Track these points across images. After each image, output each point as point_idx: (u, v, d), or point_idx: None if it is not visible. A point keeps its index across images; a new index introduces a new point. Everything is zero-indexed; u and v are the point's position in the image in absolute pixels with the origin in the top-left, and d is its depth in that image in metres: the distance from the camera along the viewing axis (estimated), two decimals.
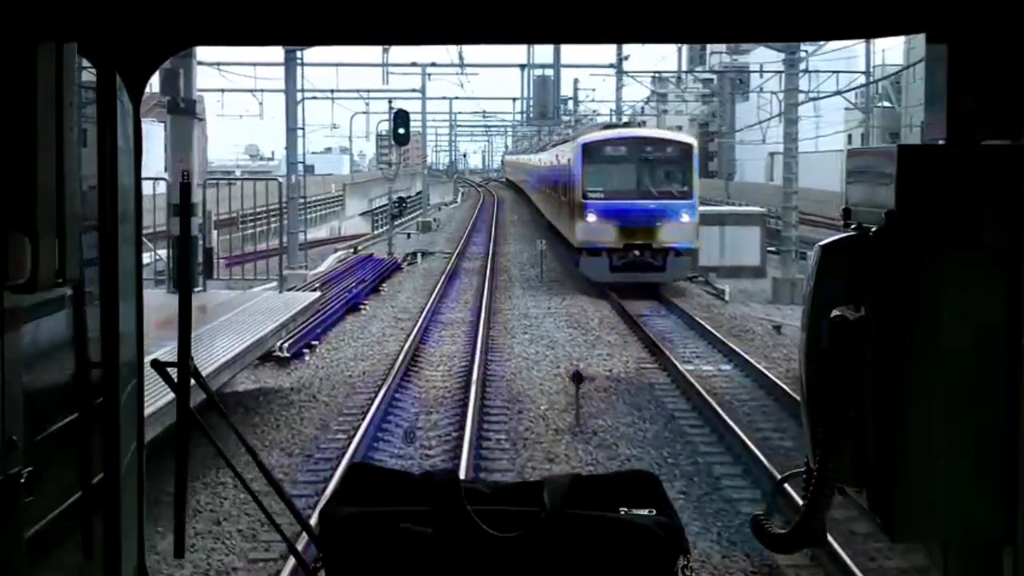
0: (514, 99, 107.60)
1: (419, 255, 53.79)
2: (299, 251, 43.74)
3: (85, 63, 3.42)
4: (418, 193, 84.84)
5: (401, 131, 51.86)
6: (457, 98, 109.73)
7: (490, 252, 54.77)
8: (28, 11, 3.03)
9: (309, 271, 46.01)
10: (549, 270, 45.22)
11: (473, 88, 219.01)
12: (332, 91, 73.28)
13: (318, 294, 28.02)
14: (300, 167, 45.43)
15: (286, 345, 26.01)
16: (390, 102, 60.37)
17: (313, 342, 28.72)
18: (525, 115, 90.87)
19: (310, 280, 41.82)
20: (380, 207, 72.78)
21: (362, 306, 36.71)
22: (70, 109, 3.13)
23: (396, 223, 61.90)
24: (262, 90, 69.14)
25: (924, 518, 3.18)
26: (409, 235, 68.20)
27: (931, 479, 3.14)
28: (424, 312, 33.62)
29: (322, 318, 31.87)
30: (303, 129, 45.44)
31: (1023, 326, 3.06)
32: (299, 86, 46.58)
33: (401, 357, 25.58)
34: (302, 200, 47.91)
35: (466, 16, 3.48)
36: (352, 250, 60.04)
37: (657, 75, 56.56)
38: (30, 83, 2.98)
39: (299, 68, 46.64)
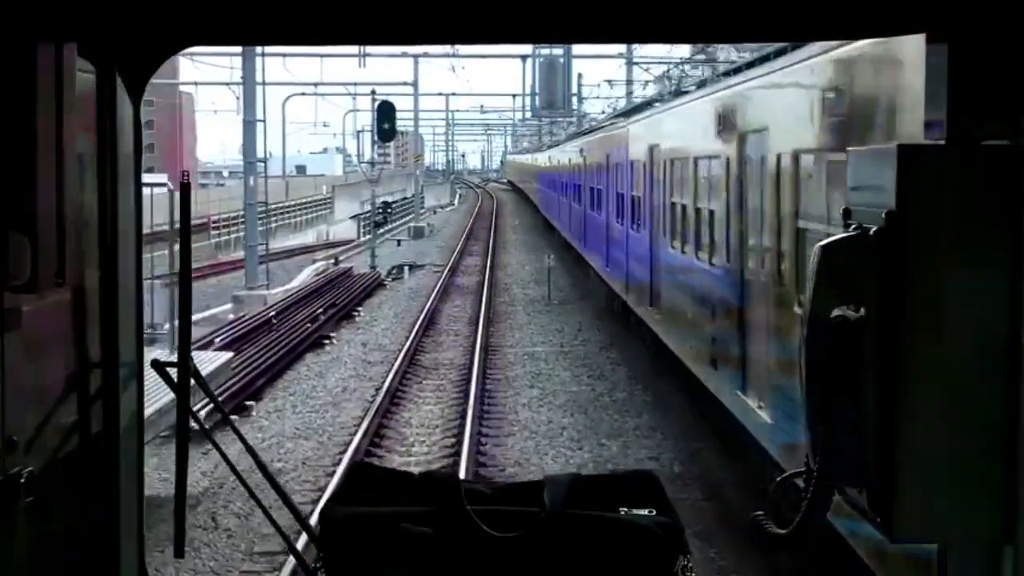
0: (514, 95, 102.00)
1: (406, 269, 45.76)
2: (259, 267, 35.53)
3: (85, 63, 3.44)
4: (412, 195, 76.80)
5: (386, 126, 44.23)
6: (454, 94, 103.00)
7: (488, 265, 46.81)
8: (28, 11, 3.07)
9: (274, 289, 37.91)
10: (557, 289, 37.17)
11: (470, 78, 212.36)
12: (316, 84, 65.72)
13: (228, 355, 19.79)
14: (261, 166, 37.17)
15: (202, 414, 17.57)
16: (373, 93, 51.98)
17: (248, 403, 20.60)
18: (524, 110, 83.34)
19: (270, 304, 33.75)
20: (367, 211, 65.00)
21: (328, 341, 28.68)
22: (70, 109, 3.17)
23: (381, 231, 53.66)
24: (237, 83, 61.41)
25: (924, 518, 3.20)
26: (399, 242, 60.69)
27: (931, 479, 3.17)
28: (403, 352, 25.67)
29: (272, 360, 23.84)
30: (264, 122, 37.46)
31: (1023, 326, 3.08)
32: (260, 76, 38.63)
33: (360, 434, 17.49)
34: (264, 206, 39.77)
35: (467, 15, 3.47)
36: (333, 261, 52.18)
37: (678, 64, 48.50)
38: (30, 83, 3.01)
39: (259, 57, 38.66)
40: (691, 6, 3.45)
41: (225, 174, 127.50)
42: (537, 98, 47.65)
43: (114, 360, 3.64)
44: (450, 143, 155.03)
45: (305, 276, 46.23)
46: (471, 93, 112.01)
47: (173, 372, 3.51)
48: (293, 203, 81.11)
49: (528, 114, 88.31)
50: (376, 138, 47.19)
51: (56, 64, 3.08)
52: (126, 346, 3.70)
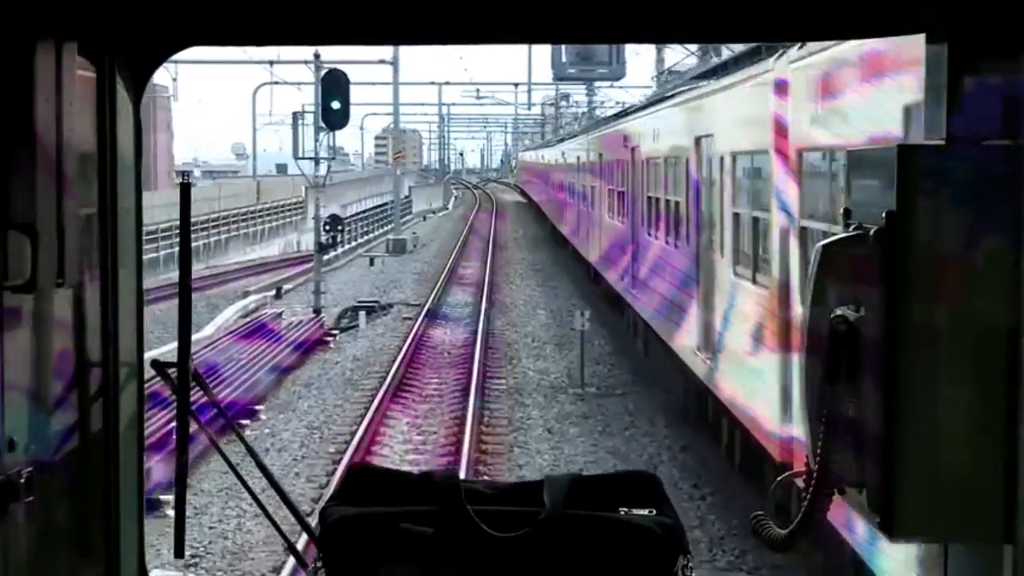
0: (516, 84, 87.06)
1: (363, 314, 30.31)
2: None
3: (85, 63, 3.55)
4: (397, 201, 62.01)
5: (335, 106, 29.40)
6: (448, 83, 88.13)
7: (483, 305, 31.46)
8: (28, 10, 3.16)
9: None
10: (592, 359, 21.65)
11: (469, 68, 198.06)
12: (271, 63, 52.58)
13: None
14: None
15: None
16: (317, 56, 36.32)
17: None
18: (529, 103, 68.53)
19: None
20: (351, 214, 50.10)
21: (154, 512, 12.86)
22: (70, 109, 3.26)
23: (329, 256, 38.25)
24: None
25: (924, 518, 3.26)
26: (373, 260, 45.83)
27: (931, 479, 3.24)
28: None
29: None
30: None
31: (1023, 326, 3.16)
32: None
33: None
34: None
35: (469, 15, 3.53)
36: (274, 293, 37.18)
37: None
38: (29, 83, 3.09)
39: None
40: (691, 6, 3.53)
41: (196, 173, 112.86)
42: (563, 52, 32.23)
43: (114, 360, 3.70)
44: (444, 139, 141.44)
45: (221, 323, 30.68)
46: (468, 83, 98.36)
47: (173, 373, 3.62)
48: (252, 209, 66.28)
49: (533, 107, 73.08)
50: (320, 122, 31.90)
51: (56, 64, 3.15)
52: (126, 346, 3.76)
